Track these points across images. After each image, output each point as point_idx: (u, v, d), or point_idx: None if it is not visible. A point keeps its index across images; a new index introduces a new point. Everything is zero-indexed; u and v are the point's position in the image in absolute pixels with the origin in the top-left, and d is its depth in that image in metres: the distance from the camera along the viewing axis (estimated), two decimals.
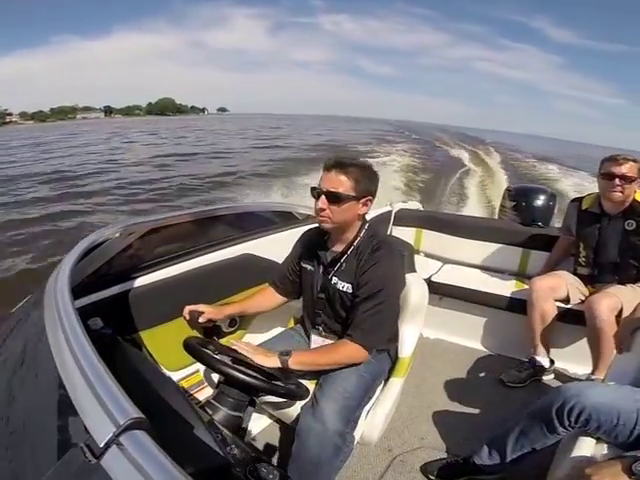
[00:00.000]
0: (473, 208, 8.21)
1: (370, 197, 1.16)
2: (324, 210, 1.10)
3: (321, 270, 1.26)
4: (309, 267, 1.30)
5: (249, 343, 1.15)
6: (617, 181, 1.74)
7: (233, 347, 1.09)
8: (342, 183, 1.09)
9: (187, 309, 1.27)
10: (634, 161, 1.77)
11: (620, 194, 1.76)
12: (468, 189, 10.51)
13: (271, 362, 1.05)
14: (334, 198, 1.09)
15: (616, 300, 1.70)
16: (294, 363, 1.06)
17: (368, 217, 1.26)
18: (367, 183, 1.13)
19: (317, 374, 1.17)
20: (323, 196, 1.10)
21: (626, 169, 1.74)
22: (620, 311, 1.68)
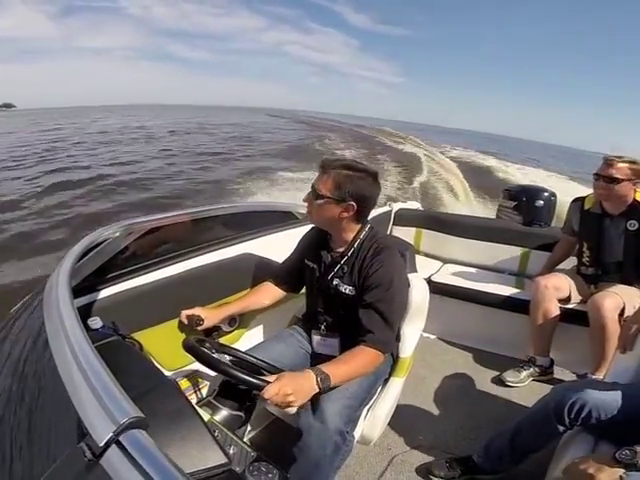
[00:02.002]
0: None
1: (352, 203, 1.11)
2: (307, 204, 1.18)
3: (322, 270, 1.26)
4: (311, 265, 1.30)
5: (288, 375, 0.94)
6: (601, 181, 1.79)
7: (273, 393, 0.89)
8: (324, 183, 1.13)
9: (184, 314, 1.27)
10: (631, 162, 1.77)
11: (602, 193, 1.82)
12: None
13: (314, 390, 0.93)
14: (315, 195, 1.14)
15: (619, 299, 1.70)
16: (333, 384, 0.97)
17: (368, 218, 1.25)
18: (350, 189, 1.10)
19: None
20: (310, 191, 1.17)
21: (614, 170, 1.77)
22: (623, 310, 1.69)
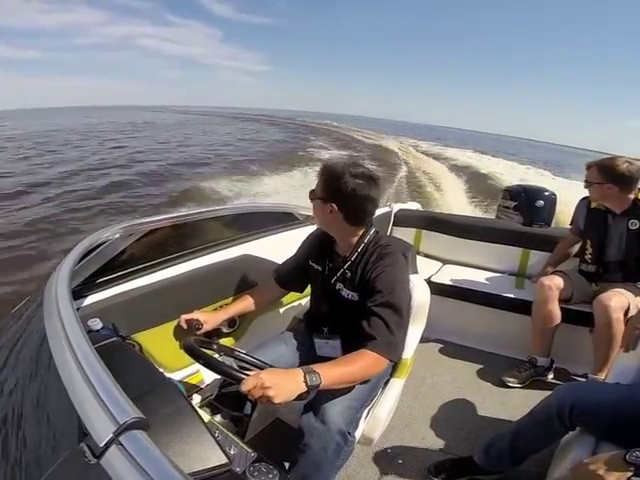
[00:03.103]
0: None
1: (332, 204, 1.11)
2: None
3: (326, 273, 1.25)
4: (316, 267, 1.29)
5: (271, 371, 0.93)
6: (585, 185, 1.91)
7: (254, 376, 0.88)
8: (317, 184, 1.17)
9: (183, 318, 1.28)
10: (600, 166, 1.84)
11: (591, 197, 1.94)
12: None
13: (299, 388, 0.88)
14: (311, 194, 1.19)
15: (625, 299, 1.71)
16: (325, 385, 0.91)
17: None
18: (333, 188, 1.10)
19: None
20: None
21: (588, 174, 1.88)
22: (627, 310, 1.69)
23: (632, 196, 1.81)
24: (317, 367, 0.93)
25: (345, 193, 1.09)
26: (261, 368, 1.04)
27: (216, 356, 1.06)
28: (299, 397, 0.91)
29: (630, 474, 0.84)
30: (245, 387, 0.84)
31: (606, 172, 1.81)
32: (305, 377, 0.89)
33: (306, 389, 0.88)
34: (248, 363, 1.08)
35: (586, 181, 1.89)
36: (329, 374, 0.93)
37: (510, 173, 13.60)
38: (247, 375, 0.87)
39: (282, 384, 0.85)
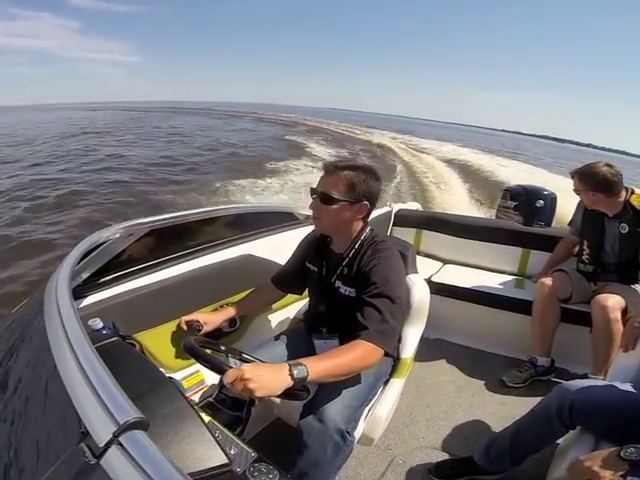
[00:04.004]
0: None
1: (366, 202, 1.13)
2: (316, 210, 1.15)
3: (324, 273, 1.26)
4: (312, 268, 1.30)
5: (255, 364, 0.96)
6: (575, 192, 1.94)
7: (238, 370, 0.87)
8: (335, 186, 1.11)
9: (183, 320, 1.28)
10: (579, 174, 1.88)
11: (584, 202, 1.95)
12: None
13: (284, 382, 0.86)
14: (326, 200, 1.11)
15: (622, 299, 1.71)
16: (314, 377, 0.90)
17: (368, 218, 1.26)
18: (363, 188, 1.11)
19: None
20: (317, 197, 1.14)
21: (573, 182, 1.91)
22: (625, 310, 1.69)
23: (622, 199, 1.81)
24: (304, 360, 0.91)
25: (370, 191, 1.13)
26: None
27: (208, 351, 1.06)
28: (296, 395, 0.91)
29: (625, 470, 0.85)
30: (227, 379, 0.83)
31: (587, 180, 1.84)
32: (291, 369, 0.87)
33: (292, 382, 0.86)
34: (247, 362, 1.08)
35: (574, 189, 1.92)
36: (317, 366, 0.91)
37: None
38: (229, 366, 0.87)
39: (264, 377, 0.83)
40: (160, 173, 9.83)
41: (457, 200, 8.57)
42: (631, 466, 0.85)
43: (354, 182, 1.10)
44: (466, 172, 12.13)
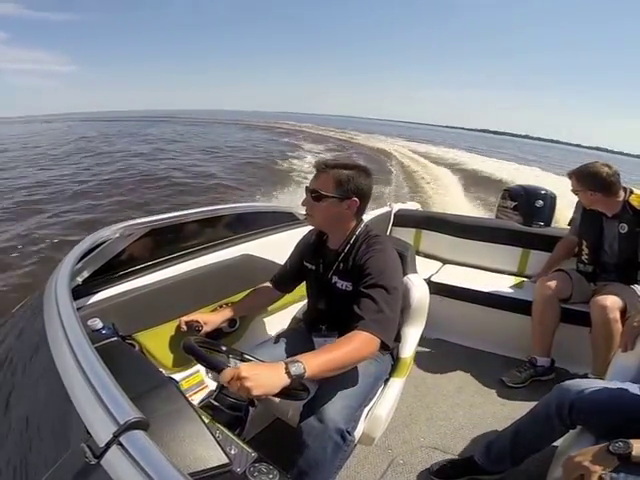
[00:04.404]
0: None
1: (355, 198, 1.15)
2: (308, 207, 1.19)
3: (321, 270, 1.27)
4: (310, 267, 1.32)
5: (252, 363, 0.97)
6: (574, 192, 1.95)
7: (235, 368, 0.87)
8: (324, 183, 1.15)
9: (183, 321, 1.29)
10: (576, 174, 1.88)
11: (582, 202, 1.96)
12: None
13: (281, 380, 0.85)
14: (316, 197, 1.16)
15: (620, 299, 1.71)
16: (312, 373, 0.88)
17: (367, 218, 1.26)
18: (352, 185, 1.14)
19: None
20: (308, 194, 1.18)
21: (571, 183, 1.92)
22: (624, 310, 1.69)
23: (620, 199, 1.82)
24: (301, 356, 0.91)
25: (360, 188, 1.15)
26: None
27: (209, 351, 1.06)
28: (295, 395, 0.90)
29: (615, 464, 0.86)
30: (223, 378, 0.83)
31: (585, 180, 1.84)
32: (287, 367, 0.86)
33: (289, 380, 0.86)
34: (247, 362, 1.08)
35: (572, 189, 1.93)
36: (314, 361, 0.90)
37: None
38: (227, 365, 0.87)
39: (260, 376, 0.83)
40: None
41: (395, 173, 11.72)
42: (620, 460, 0.87)
43: (342, 179, 1.14)
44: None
